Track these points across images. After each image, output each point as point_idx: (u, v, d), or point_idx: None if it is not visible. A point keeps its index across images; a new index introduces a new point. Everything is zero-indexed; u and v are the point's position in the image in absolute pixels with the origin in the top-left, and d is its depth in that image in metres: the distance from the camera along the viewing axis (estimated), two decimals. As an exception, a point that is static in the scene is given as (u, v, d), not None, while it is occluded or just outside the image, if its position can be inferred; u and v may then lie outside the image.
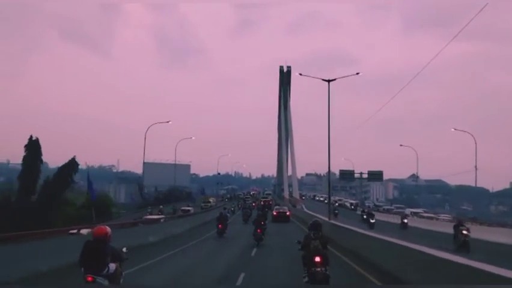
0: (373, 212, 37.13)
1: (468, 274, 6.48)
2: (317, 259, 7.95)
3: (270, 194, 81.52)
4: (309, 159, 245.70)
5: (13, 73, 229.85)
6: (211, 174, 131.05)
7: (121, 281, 6.78)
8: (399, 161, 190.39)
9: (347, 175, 56.36)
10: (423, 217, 41.92)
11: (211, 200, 68.24)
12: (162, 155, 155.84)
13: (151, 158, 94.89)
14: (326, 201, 62.68)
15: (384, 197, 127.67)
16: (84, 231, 18.95)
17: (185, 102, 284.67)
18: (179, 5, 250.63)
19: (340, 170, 56.44)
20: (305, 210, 46.16)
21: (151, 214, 41.13)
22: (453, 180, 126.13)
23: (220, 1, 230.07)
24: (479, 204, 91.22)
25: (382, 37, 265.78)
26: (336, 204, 52.99)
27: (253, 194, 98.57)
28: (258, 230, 19.07)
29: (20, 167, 41.31)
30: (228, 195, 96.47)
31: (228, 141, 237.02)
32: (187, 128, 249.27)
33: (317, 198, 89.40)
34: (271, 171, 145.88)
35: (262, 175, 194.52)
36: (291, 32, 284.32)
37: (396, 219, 39.32)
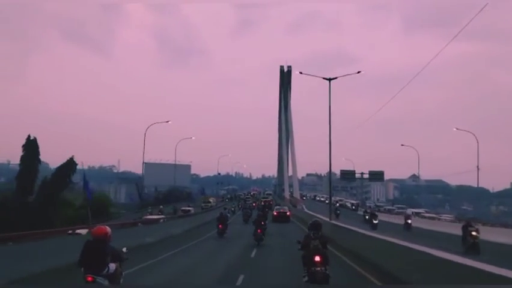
0: (376, 213, 36.14)
1: (468, 274, 6.47)
2: (317, 258, 7.96)
3: (270, 194, 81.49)
4: (310, 160, 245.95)
5: (14, 73, 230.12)
6: (211, 174, 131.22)
7: (121, 281, 6.77)
8: (400, 161, 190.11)
9: (347, 175, 56.26)
10: (425, 217, 41.61)
11: (211, 200, 68.23)
12: (163, 155, 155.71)
13: (152, 158, 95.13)
14: (326, 201, 62.68)
15: (384, 197, 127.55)
16: (81, 231, 18.99)
17: (186, 102, 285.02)
18: (180, 6, 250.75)
19: (341, 170, 56.36)
20: (306, 210, 46.11)
21: (151, 214, 41.15)
22: (453, 180, 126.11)
23: (220, 1, 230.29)
24: (479, 205, 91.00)
25: (382, 37, 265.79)
26: (337, 204, 52.70)
27: (254, 194, 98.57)
28: (258, 230, 19.06)
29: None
30: (229, 196, 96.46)
31: (229, 142, 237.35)
32: (188, 128, 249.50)
33: (318, 199, 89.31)
34: (272, 171, 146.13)
35: (263, 175, 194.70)
36: (292, 32, 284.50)
37: (398, 220, 38.95)
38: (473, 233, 16.79)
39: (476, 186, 49.14)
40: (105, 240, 6.43)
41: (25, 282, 9.21)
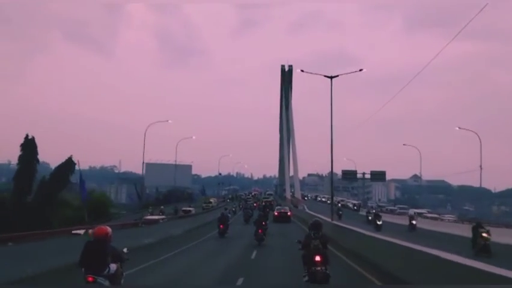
0: (380, 213, 35.07)
1: (469, 274, 6.42)
2: (317, 258, 7.97)
3: (271, 195, 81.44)
4: (311, 160, 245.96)
5: (15, 73, 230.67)
6: (213, 175, 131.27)
7: (122, 281, 6.75)
8: (401, 161, 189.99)
9: (349, 175, 56.22)
10: (427, 218, 41.37)
11: (212, 201, 68.23)
12: (164, 155, 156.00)
13: (153, 158, 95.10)
14: (328, 201, 62.54)
15: (386, 198, 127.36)
16: (79, 231, 18.95)
17: (187, 102, 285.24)
18: (181, 6, 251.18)
19: (342, 170, 56.26)
20: (307, 210, 46.01)
21: (152, 214, 41.14)
22: (455, 180, 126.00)
23: (222, 1, 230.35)
24: (481, 205, 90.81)
25: (383, 37, 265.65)
26: (339, 204, 52.48)
27: (255, 194, 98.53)
28: (259, 231, 19.04)
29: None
30: (230, 196, 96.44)
31: (230, 142, 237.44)
32: (189, 129, 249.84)
33: (319, 199, 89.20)
34: (273, 171, 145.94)
35: (264, 176, 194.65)
36: (293, 31, 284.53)
37: (401, 220, 38.47)
38: (484, 235, 16.12)
39: (477, 186, 49.15)
40: (106, 241, 6.41)
41: (25, 283, 9.18)
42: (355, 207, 61.20)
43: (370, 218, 35.50)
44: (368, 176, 55.60)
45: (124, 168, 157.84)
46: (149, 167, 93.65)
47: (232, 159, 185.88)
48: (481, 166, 40.18)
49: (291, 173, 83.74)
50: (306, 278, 8.12)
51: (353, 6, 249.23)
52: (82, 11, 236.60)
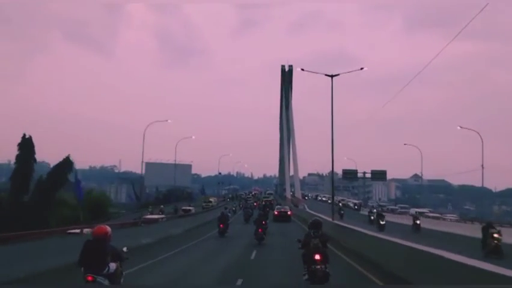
0: (383, 213, 34.34)
1: (469, 274, 6.37)
2: (317, 257, 8.00)
3: (271, 194, 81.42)
4: (311, 159, 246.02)
5: (16, 73, 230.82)
6: (213, 174, 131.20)
7: (122, 280, 6.72)
8: (401, 161, 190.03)
9: (350, 175, 56.04)
10: (429, 217, 41.14)
11: (212, 200, 68.25)
12: (164, 155, 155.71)
13: (153, 158, 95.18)
14: (329, 201, 62.47)
15: (386, 197, 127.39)
16: (76, 231, 18.90)
17: (187, 102, 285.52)
18: (181, 6, 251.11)
19: (343, 170, 56.08)
20: (307, 210, 45.97)
21: (151, 214, 41.12)
22: (455, 180, 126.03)
23: (222, 1, 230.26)
24: (482, 204, 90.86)
25: (384, 37, 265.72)
26: (340, 204, 52.30)
27: (255, 194, 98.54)
28: (259, 230, 19.03)
29: (20, 168, 40.80)
30: (230, 195, 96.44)
31: (230, 141, 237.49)
32: (189, 128, 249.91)
33: (320, 198, 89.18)
34: (273, 171, 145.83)
35: (264, 175, 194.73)
36: (293, 31, 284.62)
37: (403, 220, 38.30)
38: (495, 235, 15.45)
39: (478, 186, 49.06)
40: (105, 240, 6.37)
41: (25, 282, 9.14)
42: (356, 207, 61.16)
43: (372, 217, 34.98)
44: (368, 175, 55.45)
45: (124, 168, 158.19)
46: (149, 166, 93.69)
47: (232, 159, 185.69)
48: (482, 165, 40.00)
49: (291, 173, 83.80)
50: (306, 277, 8.15)
51: (353, 6, 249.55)
52: (82, 11, 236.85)
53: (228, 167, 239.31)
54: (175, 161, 66.58)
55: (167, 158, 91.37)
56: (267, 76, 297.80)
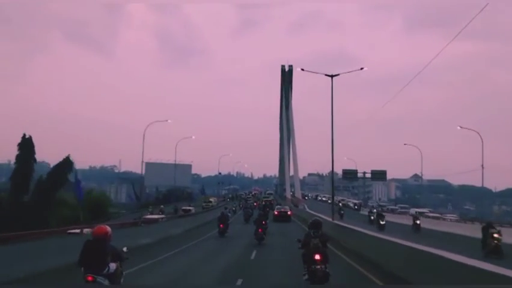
0: (383, 213, 34.16)
1: (469, 274, 6.36)
2: (317, 257, 8.01)
3: (271, 194, 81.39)
4: (311, 160, 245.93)
5: (16, 73, 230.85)
6: (213, 174, 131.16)
7: (122, 280, 6.72)
8: (401, 161, 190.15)
9: (350, 174, 55.99)
10: (429, 217, 41.05)
11: (212, 200, 68.24)
12: (164, 155, 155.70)
13: (153, 158, 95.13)
14: (329, 201, 62.42)
15: (386, 197, 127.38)
16: (76, 231, 18.87)
17: (187, 102, 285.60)
18: (181, 6, 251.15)
19: (343, 170, 56.02)
20: (307, 210, 45.97)
21: (151, 214, 41.12)
22: (455, 180, 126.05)
23: (222, 1, 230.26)
24: (481, 204, 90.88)
25: (384, 37, 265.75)
26: (340, 204, 52.20)
27: (255, 194, 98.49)
28: (259, 230, 19.04)
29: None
30: (230, 195, 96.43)
31: (230, 142, 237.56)
32: (189, 128, 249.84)
33: (320, 198, 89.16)
34: (273, 171, 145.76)
35: (264, 175, 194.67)
36: (293, 31, 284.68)
37: (403, 220, 38.14)
38: (495, 235, 15.35)
39: (477, 186, 48.98)
40: (105, 240, 6.37)
41: (25, 282, 9.13)
42: (356, 207, 61.12)
43: (372, 217, 34.91)
44: (368, 175, 55.41)
45: (124, 168, 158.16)
46: (149, 166, 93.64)
47: (232, 159, 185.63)
48: (482, 165, 39.95)
49: (291, 173, 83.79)
50: (306, 277, 8.16)
51: (353, 6, 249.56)
52: (82, 11, 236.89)
53: (228, 167, 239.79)
54: (175, 161, 66.68)
55: (167, 158, 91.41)
56: (267, 76, 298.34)
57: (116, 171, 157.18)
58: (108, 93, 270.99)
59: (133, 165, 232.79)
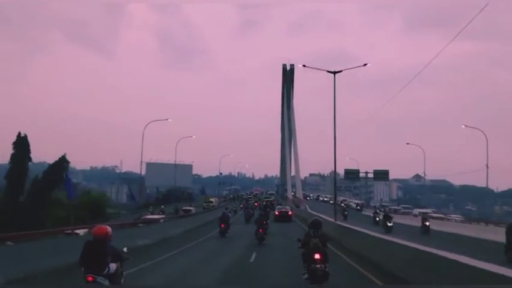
0: (391, 214, 32.16)
1: (470, 273, 6.30)
2: (317, 256, 8.04)
3: (272, 194, 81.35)
4: (313, 160, 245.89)
5: (16, 74, 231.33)
6: (214, 175, 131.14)
7: (122, 281, 6.71)
8: (402, 161, 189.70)
9: (352, 174, 55.74)
10: (433, 218, 40.61)
11: (213, 200, 68.23)
12: (165, 155, 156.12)
13: (154, 158, 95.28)
14: (330, 201, 62.24)
15: (388, 197, 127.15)
16: (79, 231, 18.77)
17: (188, 102, 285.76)
18: (182, 5, 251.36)
19: (345, 169, 55.73)
20: (309, 210, 45.89)
21: (152, 214, 41.10)
22: (457, 180, 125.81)
23: (222, 1, 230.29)
24: (483, 204, 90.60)
25: (384, 37, 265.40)
26: (343, 204, 51.84)
27: (256, 194, 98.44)
28: (260, 230, 19.03)
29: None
30: (231, 196, 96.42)
31: (231, 142, 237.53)
32: (190, 128, 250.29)
33: (321, 199, 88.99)
34: (275, 171, 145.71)
35: (266, 175, 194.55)
36: (294, 31, 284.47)
37: (407, 220, 37.77)
38: None
39: (479, 186, 48.84)
40: (105, 240, 6.36)
41: (25, 282, 9.11)
42: (358, 207, 60.87)
43: (378, 218, 33.85)
44: (370, 175, 55.20)
45: (125, 168, 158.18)
46: (150, 166, 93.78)
47: (233, 159, 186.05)
48: (487, 165, 39.63)
49: (293, 173, 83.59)
50: (306, 276, 8.19)
51: (353, 6, 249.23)
52: (82, 11, 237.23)
53: (229, 168, 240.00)
54: (175, 161, 66.73)
55: (168, 158, 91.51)
56: (267, 76, 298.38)
57: (117, 171, 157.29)
58: (109, 93, 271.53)
59: (134, 166, 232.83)
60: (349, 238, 16.71)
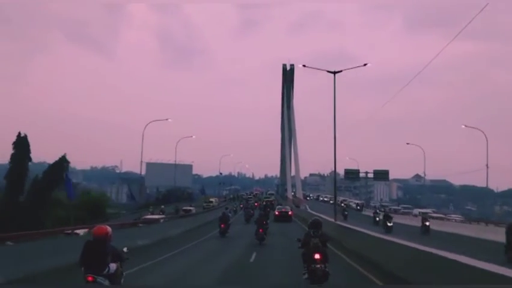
0: (391, 214, 31.98)
1: (470, 274, 6.29)
2: (317, 256, 8.04)
3: (272, 194, 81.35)
4: (313, 160, 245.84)
5: (16, 74, 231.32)
6: (214, 175, 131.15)
7: (122, 281, 6.71)
8: (402, 161, 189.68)
9: (352, 174, 55.73)
10: (433, 218, 40.59)
11: (213, 200, 68.24)
12: (165, 155, 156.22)
13: (154, 158, 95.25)
14: (331, 201, 62.18)
15: (388, 197, 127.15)
16: (79, 231, 18.75)
17: (188, 102, 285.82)
18: (182, 6, 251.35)
19: (345, 169, 55.72)
20: (309, 210, 45.88)
21: (152, 214, 41.11)
22: (457, 180, 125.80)
23: (222, 1, 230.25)
24: (483, 204, 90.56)
25: (384, 37, 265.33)
26: (342, 204, 51.78)
27: (256, 194, 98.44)
28: (260, 230, 19.04)
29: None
30: (231, 196, 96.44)
31: (231, 142, 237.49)
32: (190, 129, 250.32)
33: (321, 199, 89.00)
34: (275, 171, 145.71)
35: (266, 175, 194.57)
36: (294, 31, 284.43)
37: (407, 220, 37.70)
38: None
39: (479, 186, 48.81)
40: (105, 240, 6.36)
41: (25, 282, 9.10)
42: (358, 207, 60.86)
43: (378, 218, 33.87)
44: (370, 175, 55.19)
45: (125, 168, 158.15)
46: (150, 166, 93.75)
47: (233, 159, 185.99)
48: (487, 165, 39.62)
49: (293, 173, 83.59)
50: (306, 276, 8.19)
51: (353, 6, 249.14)
52: (82, 11, 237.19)
53: (229, 168, 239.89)
54: (175, 161, 66.75)
55: (168, 158, 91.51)
56: (267, 76, 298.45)
57: (118, 171, 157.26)
58: (109, 93, 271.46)
59: (134, 166, 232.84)
60: (349, 238, 16.72)
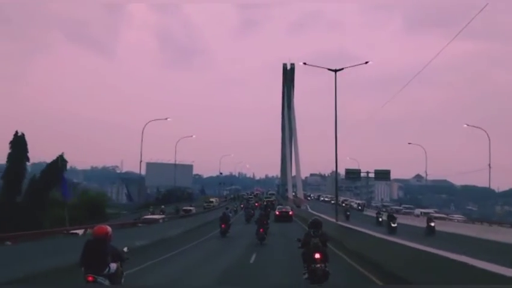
0: (395, 215, 31.12)
1: (470, 274, 6.26)
2: (317, 256, 8.04)
3: (273, 194, 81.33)
4: (313, 160, 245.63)
5: (16, 74, 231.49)
6: (214, 175, 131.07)
7: (122, 280, 6.70)
8: (403, 161, 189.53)
9: (353, 174, 55.53)
10: (435, 218, 40.27)
11: (213, 200, 68.24)
12: (165, 155, 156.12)
13: (154, 158, 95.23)
14: (332, 201, 62.14)
15: (389, 197, 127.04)
16: (78, 231, 18.72)
17: (189, 102, 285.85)
18: (182, 6, 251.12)
19: (346, 169, 55.52)
20: (310, 210, 45.87)
21: (152, 214, 41.10)
22: (458, 180, 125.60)
23: (223, 1, 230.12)
24: (484, 204, 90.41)
25: (384, 37, 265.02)
26: (344, 204, 51.54)
27: (257, 194, 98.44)
28: (261, 230, 19.04)
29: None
30: (232, 196, 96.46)
31: (232, 142, 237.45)
32: (191, 129, 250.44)
33: (322, 199, 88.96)
34: (275, 171, 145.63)
35: (266, 175, 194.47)
36: (294, 31, 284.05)
37: (409, 221, 37.29)
38: None
39: (480, 186, 48.68)
40: (105, 240, 6.36)
41: (25, 282, 9.10)
42: (359, 207, 60.80)
43: (381, 219, 33.32)
44: (371, 175, 55.07)
45: (125, 168, 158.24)
46: (150, 166, 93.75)
47: (234, 159, 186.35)
48: (489, 164, 39.37)
49: (294, 173, 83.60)
50: (306, 276, 8.19)
51: (353, 6, 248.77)
52: (82, 11, 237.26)
53: (229, 168, 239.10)
54: (175, 161, 66.77)
55: (168, 158, 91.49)
56: (267, 76, 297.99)
57: (118, 171, 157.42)
58: (109, 93, 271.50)
59: (135, 166, 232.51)
60: (350, 238, 16.67)
